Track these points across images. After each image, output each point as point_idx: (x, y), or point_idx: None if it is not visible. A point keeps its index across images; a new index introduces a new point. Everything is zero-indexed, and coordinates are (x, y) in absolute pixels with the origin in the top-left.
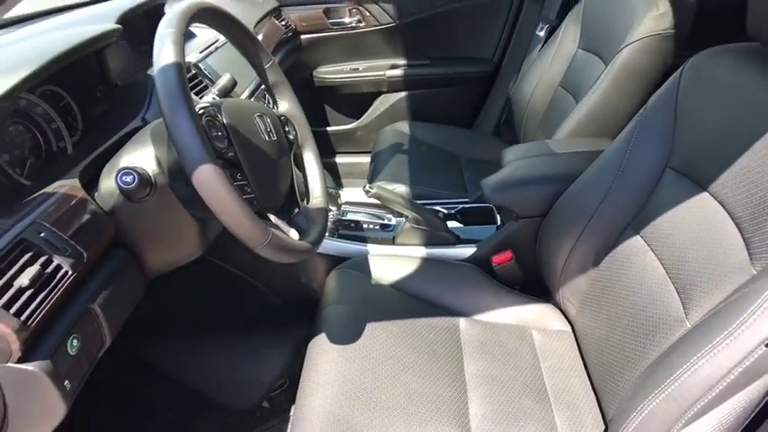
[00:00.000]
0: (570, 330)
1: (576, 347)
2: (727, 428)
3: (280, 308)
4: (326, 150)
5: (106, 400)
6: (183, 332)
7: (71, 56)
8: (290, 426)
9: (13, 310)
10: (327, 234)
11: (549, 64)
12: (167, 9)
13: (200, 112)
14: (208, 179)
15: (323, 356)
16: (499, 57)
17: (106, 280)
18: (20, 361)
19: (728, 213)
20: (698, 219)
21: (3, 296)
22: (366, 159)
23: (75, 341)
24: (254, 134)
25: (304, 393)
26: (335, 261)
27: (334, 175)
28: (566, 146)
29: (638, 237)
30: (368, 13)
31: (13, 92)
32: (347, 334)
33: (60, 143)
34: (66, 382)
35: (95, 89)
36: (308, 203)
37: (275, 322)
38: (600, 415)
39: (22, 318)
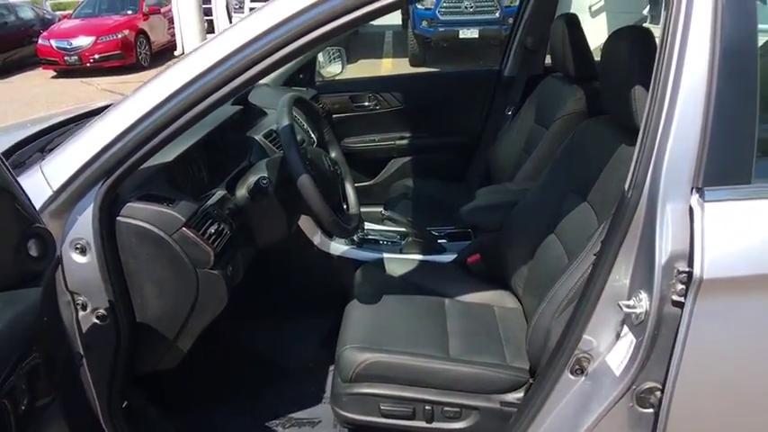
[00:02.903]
0: (521, 308)
1: (524, 318)
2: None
3: (322, 298)
4: None
5: (203, 365)
6: (256, 315)
7: (216, 128)
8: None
9: (209, 241)
10: (355, 247)
11: (515, 135)
12: (251, 96)
13: None
14: (305, 181)
15: (355, 312)
16: (480, 130)
17: (241, 242)
18: (210, 269)
19: (593, 209)
20: (580, 217)
21: (204, 235)
22: (381, 209)
23: (230, 267)
24: (322, 165)
25: (343, 329)
26: (361, 265)
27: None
28: (516, 185)
29: (553, 234)
30: (383, 99)
31: (187, 150)
32: (371, 302)
33: (201, 174)
34: (227, 288)
35: (218, 143)
36: (348, 211)
37: (318, 309)
38: None
39: (213, 245)
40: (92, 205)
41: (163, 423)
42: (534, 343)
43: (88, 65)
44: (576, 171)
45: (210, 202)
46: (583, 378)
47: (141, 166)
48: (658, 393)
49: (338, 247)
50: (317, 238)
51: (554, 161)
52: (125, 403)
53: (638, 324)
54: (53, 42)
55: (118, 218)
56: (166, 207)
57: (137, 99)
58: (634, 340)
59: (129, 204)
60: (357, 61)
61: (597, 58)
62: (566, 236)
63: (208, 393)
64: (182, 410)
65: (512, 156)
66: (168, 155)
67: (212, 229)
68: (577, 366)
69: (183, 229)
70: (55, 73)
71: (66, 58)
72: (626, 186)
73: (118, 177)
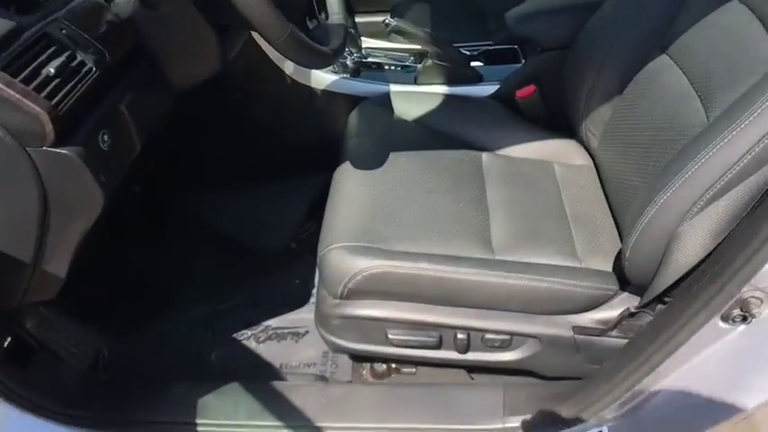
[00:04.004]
0: (592, 165)
1: (598, 180)
2: (735, 212)
3: (303, 153)
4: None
5: (155, 249)
6: (219, 184)
7: None
8: (318, 252)
9: (43, 94)
10: (348, 76)
11: None
12: None
13: None
14: None
15: (348, 181)
16: None
17: (131, 85)
18: (54, 146)
19: (756, 16)
20: (725, 26)
21: (32, 82)
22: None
23: (105, 136)
24: None
25: (330, 211)
26: (357, 102)
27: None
28: None
29: (664, 55)
30: None
31: None
32: (371, 162)
33: None
34: (101, 175)
35: None
36: (326, 21)
37: (300, 168)
38: (617, 235)
39: (53, 102)
40: None
41: (92, 342)
42: (640, 253)
43: None
44: None
45: (62, 12)
46: (742, 326)
47: None
48: None
49: (323, 77)
50: (291, 65)
51: None
52: (8, 341)
53: None
54: None
55: None
56: None
57: None
58: None
59: None
60: None
61: None
62: (691, 61)
63: (154, 294)
64: (121, 323)
65: None
66: None
67: (51, 69)
68: (738, 311)
69: None
70: None
71: None
72: None
73: None
